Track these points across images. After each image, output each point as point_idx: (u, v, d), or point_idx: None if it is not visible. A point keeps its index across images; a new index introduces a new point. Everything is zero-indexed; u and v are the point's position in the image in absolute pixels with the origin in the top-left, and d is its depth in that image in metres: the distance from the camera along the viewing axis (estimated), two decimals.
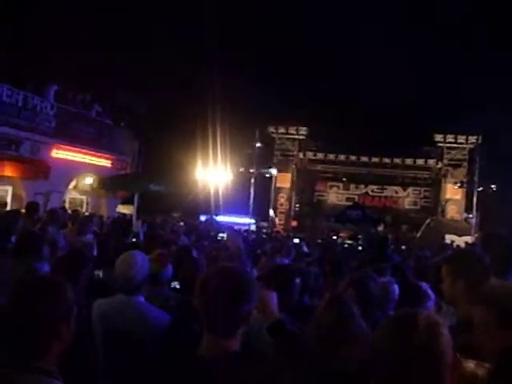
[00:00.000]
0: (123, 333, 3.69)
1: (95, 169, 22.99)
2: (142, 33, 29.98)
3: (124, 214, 21.24)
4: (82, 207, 23.42)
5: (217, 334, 2.29)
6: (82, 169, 22.73)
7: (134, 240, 8.99)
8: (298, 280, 4.22)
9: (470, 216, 36.54)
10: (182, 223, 20.91)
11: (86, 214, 18.31)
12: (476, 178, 36.18)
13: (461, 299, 3.33)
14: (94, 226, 11.73)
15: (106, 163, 24.13)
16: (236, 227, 22.49)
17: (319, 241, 21.67)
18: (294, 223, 41.63)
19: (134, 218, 14.46)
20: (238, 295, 2.30)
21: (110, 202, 24.11)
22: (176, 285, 4.82)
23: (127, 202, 21.76)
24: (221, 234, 15.15)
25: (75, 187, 23.80)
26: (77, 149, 22.37)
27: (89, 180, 23.16)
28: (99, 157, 23.71)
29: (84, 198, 24.40)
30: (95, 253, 6.14)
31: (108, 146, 24.50)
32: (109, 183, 17.50)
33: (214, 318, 2.28)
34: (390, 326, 1.98)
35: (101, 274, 4.93)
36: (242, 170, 36.62)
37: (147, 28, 29.53)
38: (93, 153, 23.27)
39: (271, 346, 3.02)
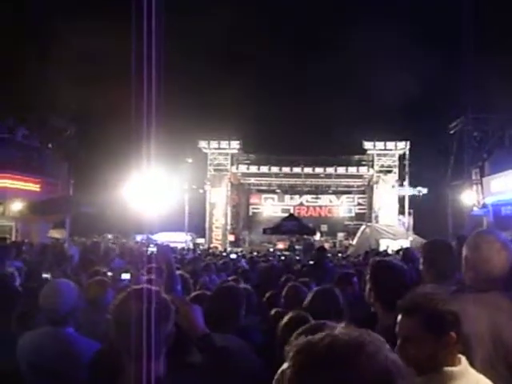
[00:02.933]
0: (48, 368, 3.52)
1: (23, 193, 22.30)
2: (70, 52, 29.41)
3: (57, 239, 20.68)
4: (10, 234, 22.63)
5: (139, 361, 2.19)
6: (9, 194, 22.01)
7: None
8: None
9: (403, 220, 37.36)
10: (114, 245, 20.50)
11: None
12: (406, 183, 37.07)
13: (375, 305, 3.38)
14: (25, 253, 11.37)
15: (35, 187, 23.49)
16: (173, 245, 22.25)
17: (255, 253, 21.64)
18: (231, 238, 41.56)
19: (66, 242, 14.13)
20: (155, 317, 2.21)
21: (41, 227, 23.39)
22: None
23: (59, 225, 21.23)
24: (150, 249, 14.87)
25: (3, 213, 22.96)
26: (2, 174, 21.69)
27: (17, 205, 22.40)
28: (27, 181, 23.05)
29: (13, 224, 23.59)
30: (18, 283, 5.88)
31: (36, 169, 23.87)
32: (38, 208, 17.09)
33: (134, 344, 2.17)
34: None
35: None
36: (175, 186, 36.36)
37: (72, 45, 28.99)
38: (20, 177, 22.61)
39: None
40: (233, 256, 18.24)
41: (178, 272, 4.82)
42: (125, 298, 2.32)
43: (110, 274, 6.20)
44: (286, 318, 3.35)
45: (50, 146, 26.05)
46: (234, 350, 3.08)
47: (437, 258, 3.72)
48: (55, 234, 23.32)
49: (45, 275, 5.42)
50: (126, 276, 5.92)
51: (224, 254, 21.26)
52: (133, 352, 2.20)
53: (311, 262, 9.44)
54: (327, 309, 3.52)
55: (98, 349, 3.38)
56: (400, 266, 3.69)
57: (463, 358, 2.30)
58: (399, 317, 2.40)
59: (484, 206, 25.70)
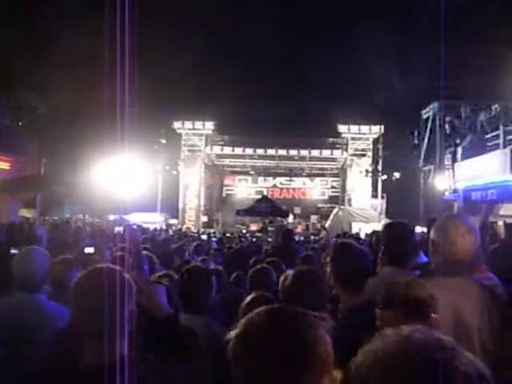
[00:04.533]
0: (24, 334, 3.48)
1: None
2: (41, 29, 28.90)
3: (27, 218, 20.38)
4: None
5: (99, 341, 2.15)
6: None
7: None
8: None
9: (376, 203, 37.61)
10: (86, 225, 20.34)
11: None
12: (380, 167, 37.30)
13: (336, 286, 3.38)
14: None
15: (4, 165, 23.08)
16: (145, 226, 22.20)
17: (228, 235, 21.66)
18: (204, 219, 41.53)
19: (36, 222, 13.93)
20: (115, 296, 2.17)
21: (10, 207, 23.03)
22: None
23: (30, 205, 20.90)
24: (117, 228, 14.71)
25: None
26: None
27: None
28: None
29: None
30: None
31: (6, 147, 23.44)
32: (8, 186, 16.81)
33: (94, 322, 2.15)
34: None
35: None
36: (149, 167, 36.11)
37: (47, 24, 28.47)
38: None
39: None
40: (203, 237, 18.24)
41: (144, 252, 4.80)
42: (85, 276, 2.31)
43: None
44: (248, 298, 3.34)
45: (20, 123, 25.64)
46: (200, 330, 3.07)
47: (391, 241, 3.72)
48: (25, 213, 22.96)
49: (13, 251, 5.35)
50: (89, 250, 5.84)
51: (197, 235, 21.24)
52: (93, 332, 2.17)
53: (278, 244, 9.49)
54: (311, 291, 3.46)
55: (59, 329, 3.33)
56: (361, 248, 3.68)
57: None
58: (378, 311, 2.40)
59: (455, 190, 25.93)
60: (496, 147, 22.00)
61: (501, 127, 23.29)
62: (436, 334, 1.13)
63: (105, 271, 2.26)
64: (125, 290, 2.22)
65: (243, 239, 18.42)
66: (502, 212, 19.54)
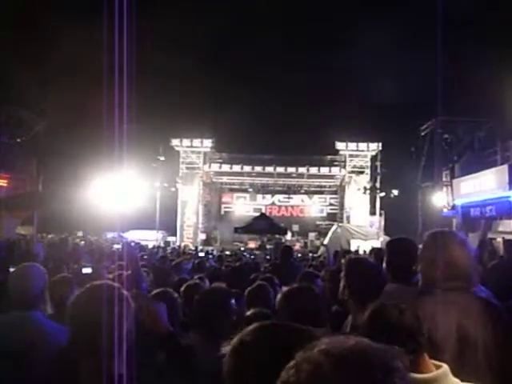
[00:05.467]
0: (19, 352, 3.42)
1: None
2: (41, 46, 29.03)
3: (23, 235, 20.34)
4: None
5: (97, 358, 2.12)
6: None
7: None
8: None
9: (374, 221, 37.53)
10: (83, 242, 20.30)
11: None
12: (378, 184, 37.27)
13: (349, 303, 3.36)
14: None
15: (3, 183, 23.07)
16: (144, 243, 22.15)
17: (228, 253, 21.59)
18: (203, 236, 41.39)
19: (34, 239, 13.91)
20: (114, 313, 2.14)
21: (8, 224, 22.95)
22: None
23: (27, 222, 20.86)
24: (116, 246, 14.73)
25: None
26: None
27: None
28: None
29: None
30: None
31: (4, 164, 23.44)
32: (6, 203, 16.80)
33: (92, 340, 2.12)
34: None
35: None
36: (147, 184, 36.11)
37: (45, 41, 28.61)
38: None
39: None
40: (201, 254, 18.20)
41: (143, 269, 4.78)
42: (83, 293, 2.27)
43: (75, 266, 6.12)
44: (247, 315, 3.32)
45: (18, 141, 25.64)
46: (203, 350, 3.03)
47: (396, 256, 3.69)
48: (22, 230, 22.89)
49: (12, 269, 5.36)
50: (86, 270, 5.82)
51: (194, 252, 21.17)
52: (91, 349, 2.15)
53: (277, 261, 9.46)
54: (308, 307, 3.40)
55: (56, 347, 3.29)
56: (375, 264, 3.67)
57: (444, 365, 2.23)
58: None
59: (453, 207, 25.94)
60: (494, 163, 22.02)
61: (498, 143, 23.35)
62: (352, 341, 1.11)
63: (103, 288, 2.23)
64: (123, 306, 2.20)
65: (241, 257, 18.36)
66: (500, 228, 19.55)
